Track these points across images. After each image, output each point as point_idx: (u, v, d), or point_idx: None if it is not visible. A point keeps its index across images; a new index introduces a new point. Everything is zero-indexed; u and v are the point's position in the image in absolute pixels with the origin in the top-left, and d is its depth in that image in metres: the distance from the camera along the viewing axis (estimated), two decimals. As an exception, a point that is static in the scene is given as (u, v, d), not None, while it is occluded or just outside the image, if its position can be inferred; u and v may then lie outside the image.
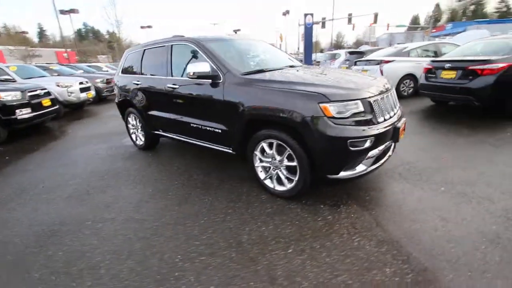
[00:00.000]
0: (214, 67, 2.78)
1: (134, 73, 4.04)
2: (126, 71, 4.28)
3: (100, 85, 9.96)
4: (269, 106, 2.35)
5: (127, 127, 4.52)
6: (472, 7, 63.42)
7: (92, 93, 8.63)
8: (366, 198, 2.52)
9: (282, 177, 2.53)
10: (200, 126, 3.08)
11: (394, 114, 2.50)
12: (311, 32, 15.77)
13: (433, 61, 5.31)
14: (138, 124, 4.24)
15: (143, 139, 4.27)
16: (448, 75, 4.84)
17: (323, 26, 29.22)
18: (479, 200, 2.37)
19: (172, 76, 3.34)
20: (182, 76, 3.24)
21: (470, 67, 4.46)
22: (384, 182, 2.80)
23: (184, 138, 3.47)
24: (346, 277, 1.67)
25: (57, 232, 2.32)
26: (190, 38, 3.19)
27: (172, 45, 3.38)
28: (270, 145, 2.52)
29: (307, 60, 16.30)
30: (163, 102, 3.51)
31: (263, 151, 2.62)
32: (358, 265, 1.75)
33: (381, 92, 2.38)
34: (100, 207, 2.70)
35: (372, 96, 2.26)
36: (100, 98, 10.06)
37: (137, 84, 3.86)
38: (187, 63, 3.25)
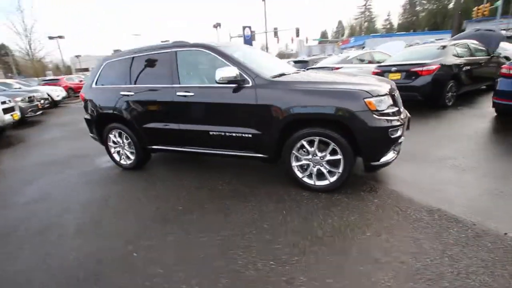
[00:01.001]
0: (241, 72, 2.75)
1: (119, 83, 3.58)
2: (104, 82, 3.75)
3: (22, 104, 8.20)
4: (315, 105, 2.49)
5: (106, 145, 3.92)
6: (366, 24, 77.02)
7: (17, 113, 7.04)
8: (390, 181, 2.89)
9: (324, 171, 2.68)
10: (223, 133, 2.97)
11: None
12: (250, 43, 16.54)
13: (380, 66, 6.35)
14: (125, 141, 3.74)
15: (132, 157, 3.78)
16: (395, 76, 5.87)
17: (254, 38, 30.85)
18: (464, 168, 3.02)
19: (179, 84, 3.13)
20: (195, 82, 3.08)
21: (412, 69, 5.54)
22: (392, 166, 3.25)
23: (196, 149, 3.26)
24: (429, 243, 1.92)
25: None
26: (204, 44, 3.06)
27: (176, 52, 3.16)
28: (311, 143, 2.65)
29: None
30: (169, 112, 3.23)
31: (299, 149, 2.72)
32: (431, 232, 2.03)
33: (395, 88, 2.82)
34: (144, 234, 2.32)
35: (394, 91, 2.65)
36: (23, 120, 8.26)
37: (128, 96, 3.44)
38: (205, 70, 3.13)
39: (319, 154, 2.64)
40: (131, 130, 3.59)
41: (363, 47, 40.58)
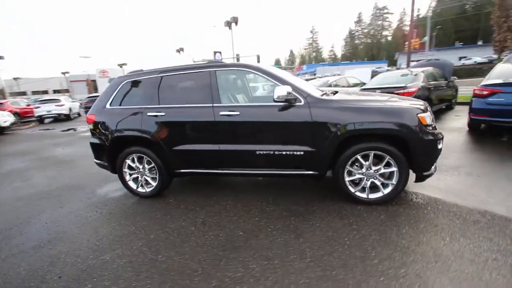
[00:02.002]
0: (293, 90, 2.80)
1: (142, 104, 3.30)
2: (122, 103, 3.42)
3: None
4: (373, 121, 2.64)
5: (121, 172, 3.49)
6: (314, 54, 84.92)
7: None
8: (425, 190, 3.11)
9: (378, 184, 2.79)
10: (271, 152, 2.91)
11: None
12: None
13: (364, 89, 7.02)
14: (146, 165, 3.39)
15: (153, 183, 3.43)
16: (379, 97, 6.54)
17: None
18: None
19: (221, 103, 3.03)
20: (237, 102, 3.01)
21: (396, 91, 6.25)
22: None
23: (236, 170, 3.12)
24: (502, 240, 2.09)
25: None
26: (248, 64, 3.06)
27: (216, 71, 3.09)
28: (365, 157, 2.76)
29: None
30: (209, 132, 3.07)
31: (352, 164, 2.81)
32: (496, 231, 2.23)
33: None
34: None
35: (429, 108, 2.97)
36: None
37: (157, 116, 3.18)
38: (246, 89, 3.09)
39: (373, 168, 2.76)
40: (157, 153, 3.28)
41: (315, 74, 44.34)
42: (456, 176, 3.46)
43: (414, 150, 2.62)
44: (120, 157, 3.43)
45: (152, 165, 3.35)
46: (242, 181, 3.87)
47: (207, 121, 3.03)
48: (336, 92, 3.41)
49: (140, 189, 3.51)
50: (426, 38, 22.80)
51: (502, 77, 4.65)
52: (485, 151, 4.40)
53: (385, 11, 68.38)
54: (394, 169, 2.70)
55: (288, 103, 2.81)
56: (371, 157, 2.74)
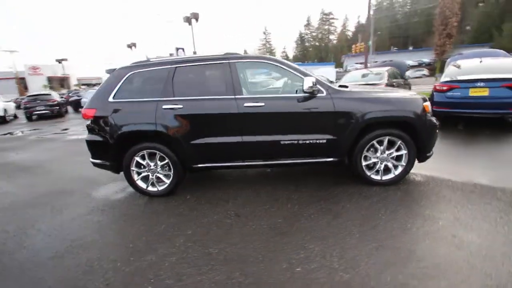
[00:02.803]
0: (317, 82, 2.95)
1: (153, 96, 3.10)
2: (129, 95, 3.15)
3: None
4: (388, 110, 2.94)
5: (128, 171, 3.21)
6: (268, 54, 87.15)
7: None
8: (422, 171, 3.54)
9: (390, 166, 3.12)
10: (295, 142, 3.03)
11: None
12: None
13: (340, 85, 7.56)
14: (158, 162, 3.19)
15: (167, 180, 3.24)
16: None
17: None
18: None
19: (243, 95, 3.03)
20: (259, 93, 3.04)
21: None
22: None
23: (258, 161, 3.16)
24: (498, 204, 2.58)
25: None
26: (269, 57, 3.11)
27: (235, 63, 3.06)
28: (380, 142, 3.06)
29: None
30: (232, 125, 3.04)
31: (368, 150, 3.09)
32: (482, 195, 2.73)
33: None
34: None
35: None
36: None
37: (173, 109, 3.02)
38: (267, 81, 3.12)
39: (387, 152, 3.09)
40: (172, 148, 3.12)
41: (270, 74, 45.76)
42: (436, 158, 4.02)
43: (420, 134, 3.00)
44: (127, 155, 3.16)
45: (166, 161, 3.17)
46: (248, 174, 3.89)
47: (231, 113, 3.00)
48: (346, 85, 3.67)
49: (150, 188, 3.29)
50: (371, 43, 25.46)
51: (457, 75, 5.54)
52: (449, 138, 5.18)
53: (331, 16, 73.78)
54: (404, 152, 3.06)
55: (312, 94, 2.96)
56: (385, 142, 3.05)
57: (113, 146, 3.15)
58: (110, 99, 3.16)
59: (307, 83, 2.82)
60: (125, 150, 3.17)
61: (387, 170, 3.16)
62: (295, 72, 3.06)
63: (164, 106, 3.04)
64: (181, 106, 3.03)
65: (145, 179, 3.29)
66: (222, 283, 1.84)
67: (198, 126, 3.07)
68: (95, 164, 3.40)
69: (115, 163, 3.25)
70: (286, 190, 3.23)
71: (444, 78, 5.79)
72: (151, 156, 3.20)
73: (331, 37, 73.63)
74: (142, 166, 3.24)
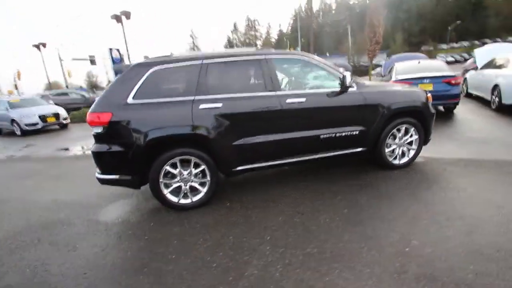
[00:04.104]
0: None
1: (182, 95, 2.72)
2: (153, 95, 2.68)
3: None
4: (407, 101, 3.33)
5: (156, 184, 2.72)
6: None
7: None
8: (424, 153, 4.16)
9: (405, 150, 3.54)
10: (333, 135, 3.13)
11: None
12: (120, 67, 14.27)
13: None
14: (192, 170, 2.81)
15: (203, 189, 2.89)
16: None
17: (93, 63, 26.35)
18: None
19: (281, 91, 2.95)
20: (296, 89, 3.02)
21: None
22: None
23: (297, 158, 3.13)
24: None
25: None
26: (302, 52, 3.09)
27: (272, 59, 2.96)
28: (398, 130, 3.44)
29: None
30: (275, 122, 2.94)
31: (389, 138, 3.43)
32: (479, 167, 3.40)
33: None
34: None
35: None
36: None
37: (212, 109, 2.72)
38: (302, 76, 3.11)
39: (403, 138, 3.50)
40: (210, 152, 2.81)
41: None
42: (444, 140, 4.69)
43: (426, 121, 3.52)
44: (156, 165, 2.69)
45: (202, 167, 2.83)
46: (270, 173, 3.81)
47: (274, 109, 2.90)
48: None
49: (183, 201, 2.87)
50: (299, 49, 28.00)
51: (406, 73, 6.63)
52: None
53: (256, 23, 77.43)
54: (415, 137, 3.53)
55: (347, 88, 3.12)
56: (402, 130, 3.46)
57: (137, 156, 2.63)
58: (130, 100, 2.63)
59: (348, 78, 2.97)
60: (151, 159, 2.69)
61: (402, 154, 3.58)
62: (328, 68, 3.18)
63: (202, 106, 2.71)
64: (220, 105, 2.76)
65: (175, 191, 2.86)
66: (358, 277, 1.79)
67: (240, 125, 2.85)
68: (105, 181, 2.78)
69: (138, 176, 2.73)
70: (322, 184, 3.27)
71: (397, 76, 6.84)
72: (184, 164, 2.81)
73: (258, 42, 77.21)
74: (172, 176, 2.81)
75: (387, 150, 3.46)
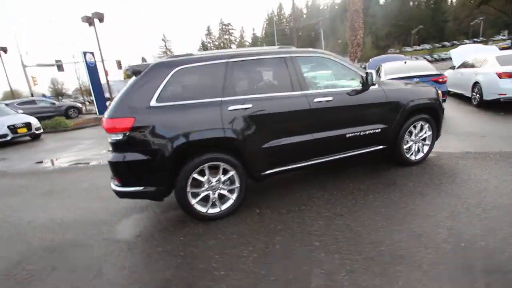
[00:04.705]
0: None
1: (206, 97, 2.53)
2: (176, 97, 2.45)
3: None
4: (422, 98, 3.39)
5: (184, 194, 2.49)
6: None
7: None
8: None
9: (421, 146, 3.61)
10: (358, 133, 3.10)
11: None
12: (96, 72, 13.33)
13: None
14: (221, 177, 2.62)
15: (232, 196, 2.71)
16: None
17: (60, 69, 24.53)
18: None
19: (308, 90, 2.86)
20: (320, 88, 2.95)
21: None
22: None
23: (324, 158, 3.05)
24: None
25: None
26: (324, 51, 3.03)
27: (297, 58, 2.87)
28: (414, 127, 3.49)
29: (101, 103, 13.64)
30: (304, 122, 2.84)
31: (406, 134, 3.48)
32: (485, 159, 3.56)
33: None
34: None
35: None
36: None
37: (241, 110, 2.55)
38: (323, 75, 3.04)
39: (419, 134, 3.56)
40: (239, 157, 2.63)
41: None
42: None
43: (439, 117, 3.62)
44: (183, 173, 2.46)
45: (231, 173, 2.65)
46: (289, 175, 3.69)
47: (303, 109, 2.80)
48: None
49: (211, 210, 2.66)
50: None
51: (395, 73, 6.89)
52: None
53: (230, 27, 77.45)
54: (429, 133, 3.61)
55: (369, 86, 3.11)
56: (418, 126, 3.52)
57: (163, 165, 2.39)
58: (153, 103, 2.39)
59: (374, 75, 2.96)
60: (177, 168, 2.46)
61: (417, 150, 3.65)
62: (349, 66, 3.15)
63: (231, 107, 2.54)
64: (250, 106, 2.60)
65: (202, 200, 2.64)
66: (429, 277, 1.72)
67: (270, 127, 2.71)
68: (126, 195, 2.50)
69: (164, 186, 2.48)
70: (341, 184, 3.22)
71: (386, 76, 7.08)
72: (212, 170, 2.60)
73: (233, 46, 77.19)
74: (199, 185, 2.59)
75: (405, 146, 3.50)
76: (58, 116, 13.03)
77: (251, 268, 1.96)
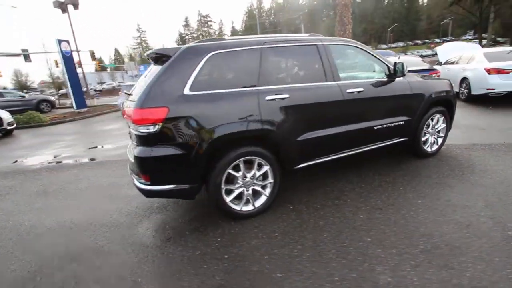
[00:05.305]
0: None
1: (239, 85, 2.34)
2: (211, 85, 2.24)
3: None
4: (441, 91, 3.43)
5: (218, 191, 2.30)
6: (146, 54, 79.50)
7: None
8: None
9: (436, 138, 3.67)
10: (385, 125, 3.07)
11: None
12: (72, 62, 12.26)
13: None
14: (256, 172, 2.46)
15: (266, 191, 2.56)
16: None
17: (28, 59, 22.39)
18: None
19: (340, 80, 2.76)
20: (350, 78, 2.87)
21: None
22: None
23: (351, 151, 2.98)
24: None
25: None
26: (353, 40, 2.93)
27: (329, 45, 2.75)
28: (432, 119, 3.53)
29: (78, 96, 12.66)
30: (337, 113, 2.75)
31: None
32: (492, 150, 3.71)
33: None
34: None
35: None
36: None
37: (278, 101, 2.39)
38: (351, 65, 2.95)
39: (435, 127, 3.61)
40: (273, 150, 2.48)
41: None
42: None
43: (453, 109, 3.70)
44: (219, 168, 2.27)
45: (265, 169, 2.49)
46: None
47: (337, 100, 2.70)
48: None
49: (245, 208, 2.50)
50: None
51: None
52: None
53: (209, 19, 75.51)
54: (443, 125, 3.68)
55: (391, 78, 3.07)
56: (435, 119, 3.56)
57: (199, 160, 2.18)
58: (186, 91, 2.16)
59: (405, 66, 2.92)
60: (215, 161, 2.27)
61: (433, 142, 3.71)
62: (377, 57, 3.08)
63: (268, 97, 2.37)
64: (287, 96, 2.45)
65: (238, 197, 2.47)
66: (494, 268, 1.71)
67: (306, 118, 2.58)
68: (155, 194, 2.27)
69: (198, 184, 2.27)
70: (371, 176, 3.20)
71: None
72: (247, 165, 2.43)
73: (212, 39, 75.56)
74: (233, 181, 2.41)
75: (423, 138, 3.54)
76: (29, 110, 11.91)
77: (310, 268, 1.85)
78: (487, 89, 6.54)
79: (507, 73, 6.25)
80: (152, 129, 2.08)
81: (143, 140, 2.14)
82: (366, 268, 1.81)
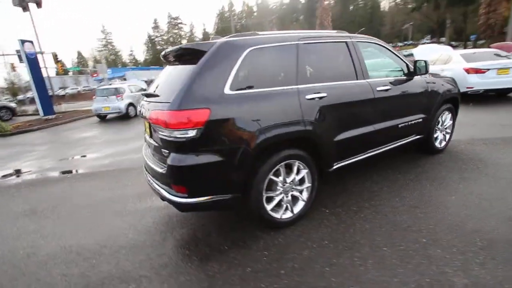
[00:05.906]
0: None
1: (277, 84, 2.17)
2: (250, 84, 2.03)
3: None
4: (451, 88, 3.53)
5: (260, 199, 2.10)
6: (112, 56, 75.52)
7: None
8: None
9: (444, 135, 3.77)
10: (407, 123, 3.08)
11: None
12: (37, 64, 11.02)
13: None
14: (295, 177, 2.29)
15: (304, 196, 2.40)
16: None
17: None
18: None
19: (370, 78, 2.70)
20: (374, 76, 2.81)
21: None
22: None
23: (378, 150, 2.93)
24: None
25: None
26: (376, 39, 2.91)
27: (358, 43, 2.68)
28: (442, 116, 3.62)
29: (45, 102, 11.46)
30: (368, 112, 2.67)
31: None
32: (492, 144, 3.93)
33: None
34: None
35: None
36: None
37: (317, 100, 2.25)
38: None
39: (444, 123, 3.71)
40: (311, 152, 2.34)
41: (124, 78, 40.17)
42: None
43: (458, 107, 3.84)
44: (261, 174, 2.07)
45: (304, 172, 2.34)
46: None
47: (369, 99, 2.63)
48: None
49: (285, 216, 2.31)
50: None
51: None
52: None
53: (179, 21, 73.73)
54: (450, 122, 3.81)
55: (411, 76, 3.09)
56: (444, 116, 3.66)
57: (243, 166, 1.96)
58: (226, 90, 1.93)
59: (428, 63, 2.94)
60: (259, 167, 2.06)
61: (442, 139, 3.81)
62: (398, 55, 3.09)
63: (308, 96, 2.22)
64: (325, 95, 2.32)
65: (278, 205, 2.28)
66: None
67: (342, 117, 2.47)
68: (193, 207, 2.01)
69: (241, 193, 2.04)
70: (393, 174, 3.20)
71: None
72: (286, 169, 2.26)
73: (183, 41, 73.79)
74: (273, 187, 2.22)
75: (434, 135, 3.62)
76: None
77: (380, 278, 1.72)
78: (467, 88, 6.99)
79: (484, 72, 6.75)
80: (191, 133, 1.83)
81: (179, 146, 1.88)
82: (436, 271, 1.73)
